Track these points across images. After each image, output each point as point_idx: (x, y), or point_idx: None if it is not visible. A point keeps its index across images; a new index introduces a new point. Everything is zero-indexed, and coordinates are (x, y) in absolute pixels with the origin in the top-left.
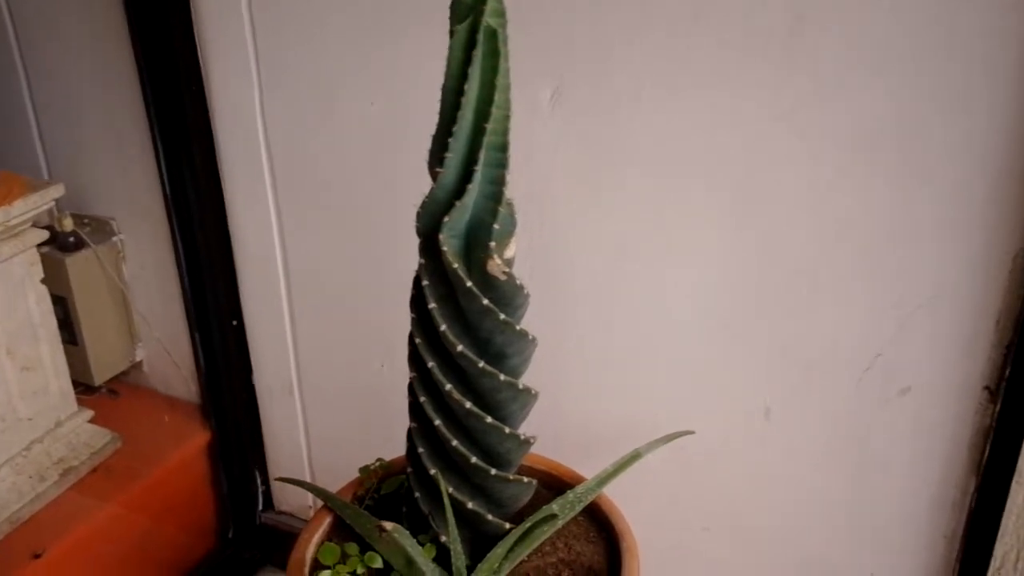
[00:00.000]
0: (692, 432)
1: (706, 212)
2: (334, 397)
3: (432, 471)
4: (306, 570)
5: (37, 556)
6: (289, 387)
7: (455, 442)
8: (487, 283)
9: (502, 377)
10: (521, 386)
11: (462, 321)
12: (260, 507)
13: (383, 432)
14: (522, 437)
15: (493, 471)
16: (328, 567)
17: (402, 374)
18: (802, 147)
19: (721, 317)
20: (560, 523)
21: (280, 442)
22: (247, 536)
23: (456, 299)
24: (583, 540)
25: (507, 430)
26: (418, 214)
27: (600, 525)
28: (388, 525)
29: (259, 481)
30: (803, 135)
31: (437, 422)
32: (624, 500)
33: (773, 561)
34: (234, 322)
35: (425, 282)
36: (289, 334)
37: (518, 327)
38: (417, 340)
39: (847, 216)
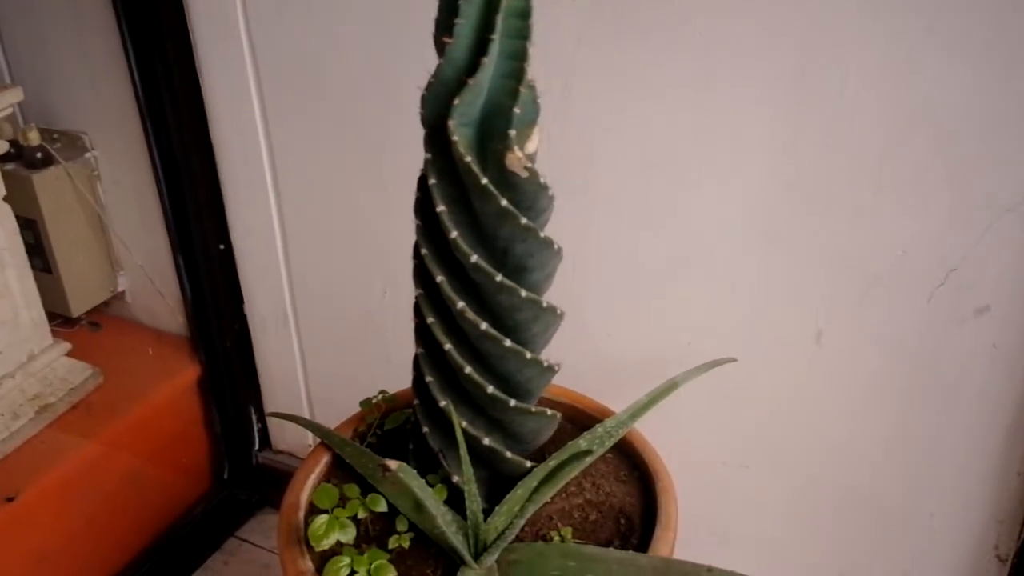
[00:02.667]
0: (734, 359)
1: (754, 102)
2: (333, 327)
3: (443, 403)
4: (301, 514)
5: (10, 499)
6: (283, 317)
7: (468, 369)
8: (505, 181)
9: (523, 293)
10: (544, 304)
11: (476, 227)
12: (256, 446)
13: (386, 365)
14: (545, 363)
15: (512, 402)
16: (325, 511)
17: (407, 300)
18: (869, 21)
19: (768, 227)
20: (589, 461)
21: (275, 376)
22: (243, 477)
23: (469, 201)
24: (612, 480)
25: (528, 355)
26: (423, 98)
27: (632, 464)
28: (392, 464)
29: (254, 419)
30: (872, 7)
31: (448, 346)
32: (655, 437)
33: (819, 501)
34: (221, 246)
35: (432, 181)
36: (281, 257)
37: (541, 234)
38: (423, 251)
39: (923, 101)
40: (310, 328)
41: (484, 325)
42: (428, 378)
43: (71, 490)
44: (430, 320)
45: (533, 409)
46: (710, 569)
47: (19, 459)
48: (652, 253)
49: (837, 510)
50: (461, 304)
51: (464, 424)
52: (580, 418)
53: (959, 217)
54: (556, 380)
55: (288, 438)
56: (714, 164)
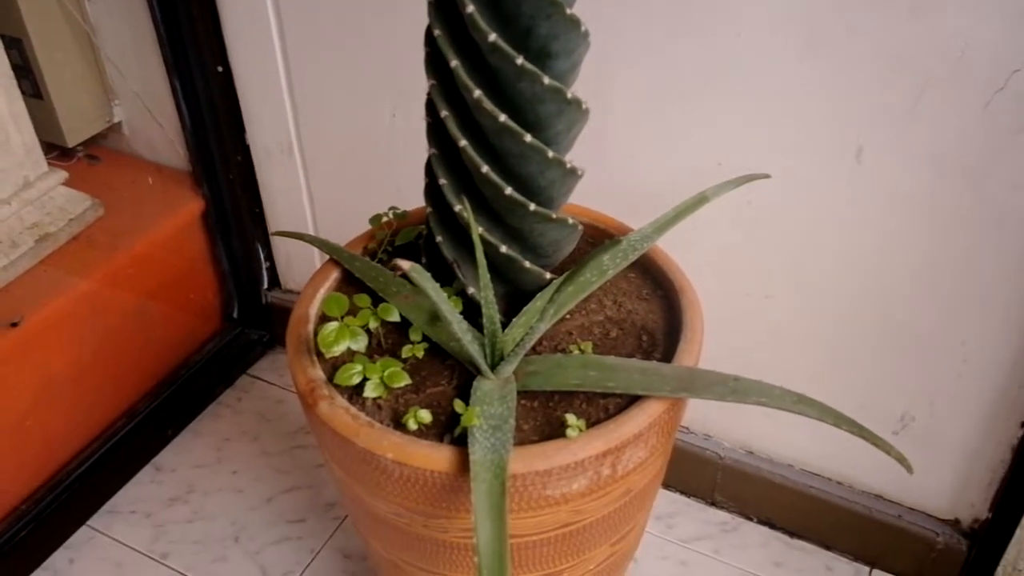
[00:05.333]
0: (767, 176)
1: None
2: (340, 155)
3: (457, 207)
4: (310, 327)
5: (14, 324)
6: (287, 146)
7: (485, 168)
8: None
9: (546, 80)
10: (570, 96)
11: (495, 3)
12: (265, 285)
13: (395, 194)
14: (568, 165)
15: (532, 206)
16: (335, 319)
17: (418, 123)
18: None
19: (811, 30)
20: (610, 274)
21: (281, 210)
22: (253, 316)
23: None
24: (634, 298)
25: (550, 154)
26: None
27: (655, 282)
28: (405, 264)
29: (262, 257)
30: None
31: (463, 143)
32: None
33: (845, 330)
34: (219, 68)
35: None
36: (283, 80)
37: (568, 11)
38: (436, 32)
39: None
40: (316, 158)
41: (503, 117)
42: (442, 181)
43: (76, 320)
44: (444, 114)
45: (554, 216)
46: (736, 378)
47: (21, 287)
48: (683, 62)
49: (864, 338)
50: (478, 93)
51: (480, 231)
52: (601, 238)
53: None
54: (577, 199)
55: (297, 276)
56: None
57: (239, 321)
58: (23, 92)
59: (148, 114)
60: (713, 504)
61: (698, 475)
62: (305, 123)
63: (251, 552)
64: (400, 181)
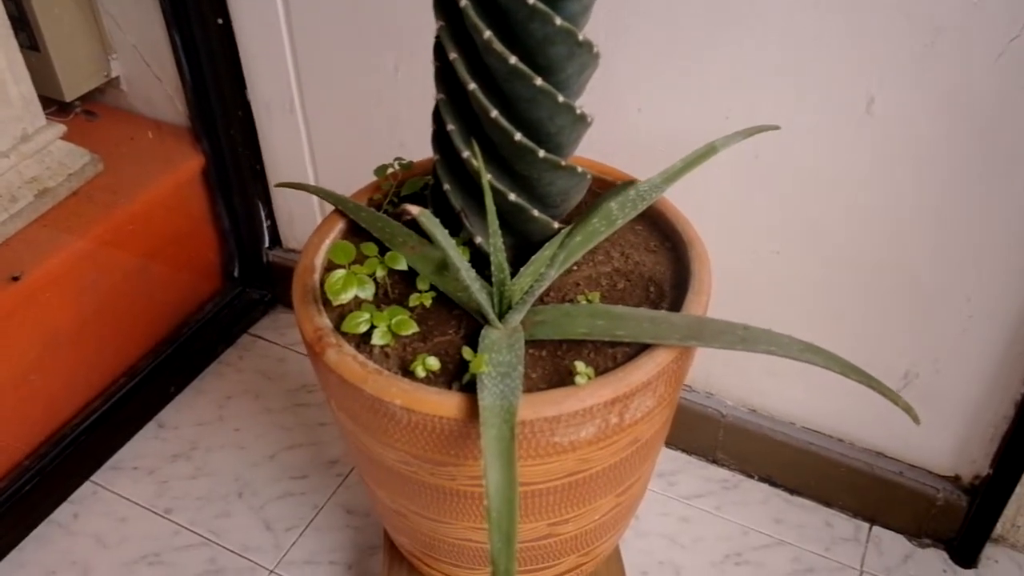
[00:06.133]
0: (777, 127)
1: None
2: (342, 110)
3: (465, 153)
4: (316, 276)
5: (15, 278)
6: (289, 102)
7: (495, 113)
8: None
9: (558, 21)
10: (581, 38)
11: None
12: (267, 244)
13: (400, 150)
14: (578, 111)
15: (541, 153)
16: (341, 267)
17: (422, 77)
18: None
19: None
20: (619, 223)
21: (282, 166)
22: (254, 275)
23: None
24: (641, 249)
25: (560, 98)
26: None
27: (663, 234)
28: (414, 210)
29: (263, 215)
30: None
31: (472, 87)
32: None
33: (853, 286)
34: (219, 20)
35: None
36: (285, 33)
37: None
38: None
39: None
40: (318, 113)
41: (513, 60)
42: (450, 127)
43: (77, 275)
44: (452, 56)
45: (563, 163)
46: (746, 327)
47: (22, 241)
48: (691, 13)
49: (870, 295)
50: (488, 34)
51: (488, 178)
52: (608, 190)
53: None
54: (580, 155)
55: (298, 235)
56: None
57: (240, 280)
58: (20, 45)
59: (147, 68)
60: (714, 462)
61: (700, 433)
62: (307, 77)
63: (255, 507)
64: (404, 136)
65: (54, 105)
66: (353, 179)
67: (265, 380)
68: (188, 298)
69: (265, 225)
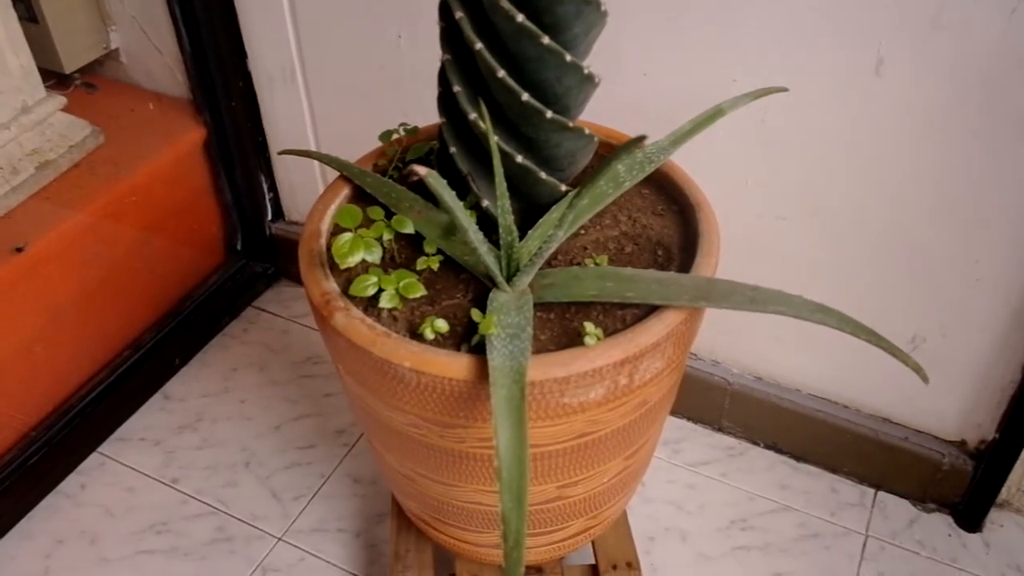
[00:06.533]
0: (785, 89)
1: None
2: (344, 81)
3: (472, 115)
4: (323, 241)
5: (19, 250)
6: (290, 72)
7: (501, 73)
8: None
9: None
10: None
11: None
12: (269, 216)
13: (403, 119)
14: (586, 71)
15: (549, 113)
16: (348, 230)
17: (425, 46)
18: None
19: None
20: (627, 185)
21: (284, 138)
22: (257, 248)
23: None
24: (649, 213)
25: (568, 58)
26: None
27: (670, 198)
28: (422, 170)
29: (265, 187)
30: None
31: (479, 46)
32: None
33: (858, 251)
34: None
35: None
36: (286, 2)
37: None
38: None
39: None
40: (319, 83)
41: (520, 17)
42: (456, 88)
43: (80, 247)
44: (459, 15)
45: (571, 124)
46: (755, 287)
47: (24, 213)
48: None
49: (876, 259)
50: None
51: (496, 139)
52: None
53: None
54: (586, 119)
55: (301, 207)
56: None
57: (243, 253)
58: (18, 16)
59: (146, 39)
60: (720, 430)
61: (706, 401)
62: (308, 47)
63: (262, 477)
64: (407, 106)
65: (53, 78)
66: (356, 150)
67: (270, 352)
68: (191, 271)
69: (268, 198)
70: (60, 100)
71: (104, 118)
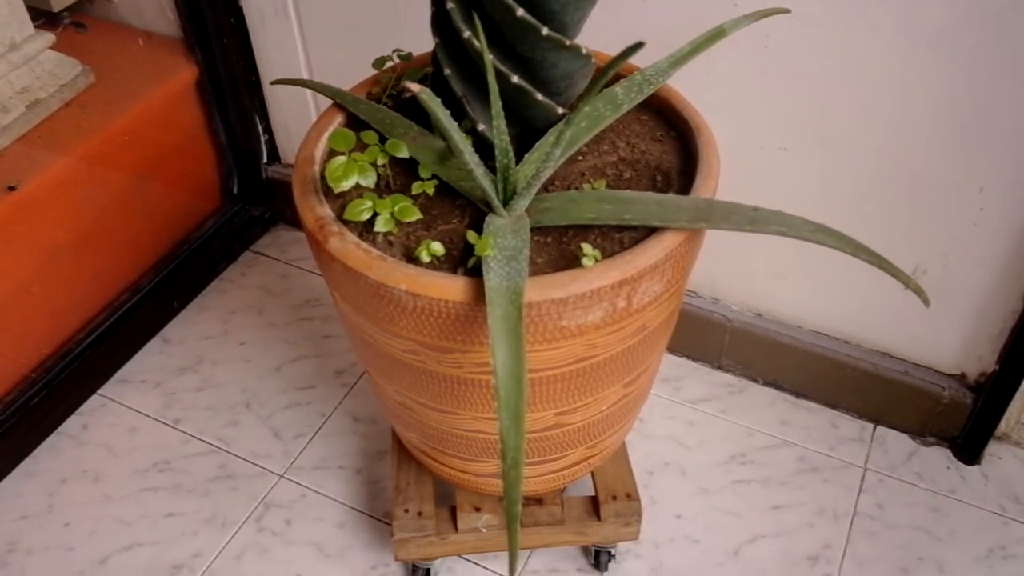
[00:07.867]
0: (787, 10)
1: None
2: (337, 16)
3: (466, 33)
4: (316, 167)
5: (12, 188)
6: (282, 6)
7: None
8: None
9: None
10: None
11: None
12: (265, 159)
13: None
14: None
15: (544, 30)
16: (342, 154)
17: None
18: None
19: None
20: (625, 108)
21: (278, 76)
22: (254, 192)
23: None
24: (648, 139)
25: None
26: None
27: (669, 124)
28: (415, 87)
29: (260, 129)
30: None
31: None
32: None
33: (862, 183)
34: None
35: None
36: None
37: None
38: None
39: None
40: (312, 18)
41: None
42: (449, 4)
43: (74, 186)
44: None
45: (567, 43)
46: (755, 208)
47: (16, 152)
48: None
49: (880, 190)
50: None
51: (491, 58)
52: (612, 80)
53: None
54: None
55: (297, 149)
56: None
57: (239, 197)
58: None
59: None
60: (719, 368)
61: (705, 339)
62: None
63: (263, 417)
64: (402, 41)
65: (42, 17)
66: (350, 85)
67: (268, 296)
68: (188, 215)
69: (263, 140)
70: (49, 37)
71: (95, 58)
